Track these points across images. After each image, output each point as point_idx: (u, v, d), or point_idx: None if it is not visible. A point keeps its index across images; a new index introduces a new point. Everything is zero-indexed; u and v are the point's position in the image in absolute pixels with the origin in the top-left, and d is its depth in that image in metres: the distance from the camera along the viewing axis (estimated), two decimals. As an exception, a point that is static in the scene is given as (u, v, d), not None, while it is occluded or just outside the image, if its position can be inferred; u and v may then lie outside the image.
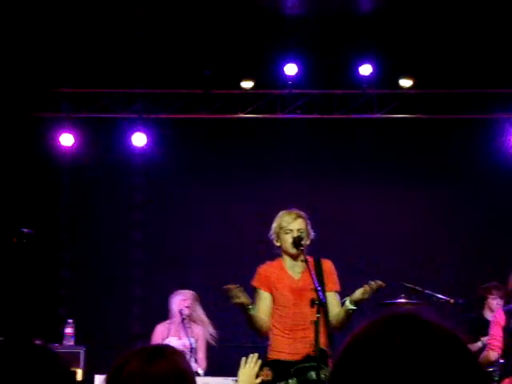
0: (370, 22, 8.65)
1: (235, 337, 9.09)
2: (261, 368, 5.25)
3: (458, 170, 9.64)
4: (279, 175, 9.78)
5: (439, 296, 7.62)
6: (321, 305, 5.17)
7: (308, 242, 5.62)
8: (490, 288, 7.71)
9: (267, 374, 5.29)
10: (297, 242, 5.49)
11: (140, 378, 1.98)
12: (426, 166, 9.77)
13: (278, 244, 5.67)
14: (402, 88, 9.48)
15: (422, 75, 9.35)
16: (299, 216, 5.65)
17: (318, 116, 9.66)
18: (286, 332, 5.50)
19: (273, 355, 5.52)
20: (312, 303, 5.21)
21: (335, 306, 5.52)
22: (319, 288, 5.30)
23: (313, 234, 5.71)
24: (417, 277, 8.34)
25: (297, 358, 5.42)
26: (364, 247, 9.49)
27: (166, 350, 2.10)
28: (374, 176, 9.74)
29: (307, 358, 5.38)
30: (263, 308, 5.55)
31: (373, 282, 5.36)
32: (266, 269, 5.65)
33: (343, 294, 6.03)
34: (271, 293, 5.57)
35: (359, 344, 1.14)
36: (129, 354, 2.07)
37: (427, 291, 7.67)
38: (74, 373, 6.32)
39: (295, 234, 5.54)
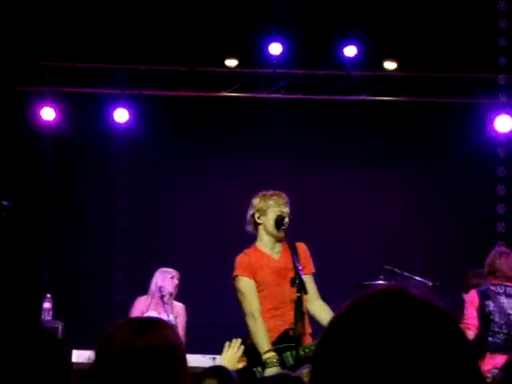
0: (356, 4, 8.63)
1: (215, 315, 9.12)
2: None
3: (440, 153, 9.68)
4: (263, 154, 9.78)
5: (417, 278, 7.66)
6: (301, 283, 5.19)
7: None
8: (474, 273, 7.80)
9: (242, 359, 5.33)
10: (279, 222, 5.48)
11: (129, 350, 1.96)
12: (409, 148, 9.81)
13: (260, 221, 5.64)
14: (386, 70, 9.48)
15: (406, 58, 9.36)
16: (287, 201, 5.63)
17: (302, 96, 9.65)
18: (268, 311, 5.50)
19: None
20: (293, 282, 5.23)
21: (312, 290, 5.53)
22: (299, 267, 5.32)
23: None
24: (396, 259, 8.38)
25: (274, 335, 5.43)
26: (346, 229, 9.53)
27: (156, 323, 2.08)
28: (357, 157, 9.77)
29: (284, 335, 5.39)
30: (254, 293, 5.47)
31: None
32: (244, 257, 5.59)
33: (325, 277, 6.06)
34: (254, 278, 5.51)
35: (343, 323, 1.11)
36: (117, 326, 2.04)
37: (406, 273, 7.71)
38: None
39: (286, 218, 5.51)
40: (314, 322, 5.62)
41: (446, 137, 9.61)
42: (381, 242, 9.40)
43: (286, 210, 5.58)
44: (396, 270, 7.71)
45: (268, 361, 5.21)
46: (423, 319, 1.09)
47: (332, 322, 1.13)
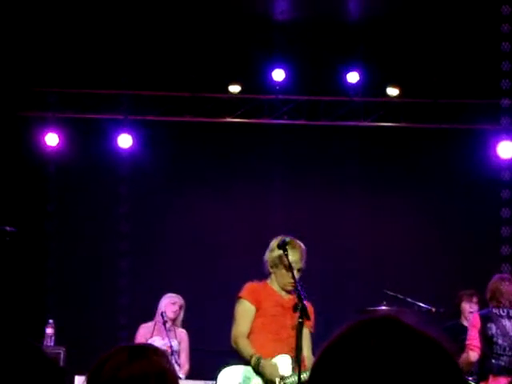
0: (359, 31, 8.69)
1: (217, 341, 9.08)
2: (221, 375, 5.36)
3: (442, 179, 9.68)
4: (265, 180, 9.79)
5: (421, 304, 7.65)
6: (303, 309, 5.19)
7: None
8: (462, 295, 7.84)
9: None
10: (281, 244, 5.46)
11: (120, 378, 1.96)
12: (411, 174, 9.81)
13: (272, 271, 5.63)
14: (388, 96, 9.53)
15: (409, 84, 9.40)
16: (303, 253, 5.59)
17: (305, 122, 9.69)
18: (270, 334, 5.51)
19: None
20: (295, 308, 5.24)
21: (307, 344, 5.52)
22: (303, 295, 5.32)
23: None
24: (399, 285, 8.36)
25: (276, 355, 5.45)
26: (347, 255, 9.51)
27: (148, 350, 2.07)
28: (359, 183, 9.77)
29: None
30: (247, 325, 5.52)
31: None
32: (253, 284, 5.65)
33: (326, 303, 6.06)
34: (256, 307, 5.55)
35: (335, 348, 1.12)
36: (110, 353, 2.04)
37: (409, 299, 7.69)
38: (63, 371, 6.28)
39: (297, 275, 5.44)
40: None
41: (448, 163, 9.63)
42: (383, 267, 9.39)
43: (299, 265, 5.55)
44: (399, 295, 7.69)
45: (256, 361, 5.34)
46: (413, 347, 1.09)
47: (324, 348, 1.14)
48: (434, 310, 7.60)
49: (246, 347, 5.43)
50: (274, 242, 5.60)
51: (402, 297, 7.67)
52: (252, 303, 5.54)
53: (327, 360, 1.12)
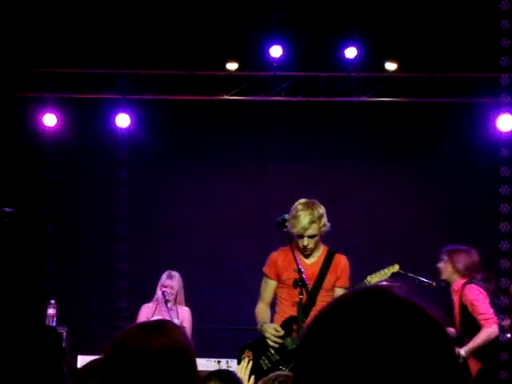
0: (356, 5, 8.63)
1: (220, 318, 9.12)
2: (242, 351, 5.47)
3: (442, 153, 9.67)
4: (264, 157, 9.79)
5: (421, 279, 7.64)
6: (303, 285, 5.21)
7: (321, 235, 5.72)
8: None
9: (248, 354, 5.53)
10: (295, 284, 5.44)
11: (141, 354, 1.97)
12: (411, 149, 9.80)
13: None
14: (386, 71, 9.48)
15: (407, 58, 9.35)
16: (313, 221, 5.63)
17: (303, 99, 9.65)
18: (291, 303, 5.61)
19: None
20: (295, 284, 5.25)
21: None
22: (302, 270, 5.33)
23: (328, 225, 5.75)
24: (399, 260, 8.36)
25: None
26: (348, 230, 9.51)
27: (167, 326, 2.09)
28: (358, 159, 9.77)
29: (288, 321, 5.53)
30: (268, 295, 5.82)
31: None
32: (275, 256, 5.80)
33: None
34: (277, 280, 5.77)
35: (318, 323, 1.12)
36: (129, 330, 2.05)
37: (410, 274, 7.69)
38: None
39: (305, 243, 5.60)
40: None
41: (447, 137, 9.61)
42: (383, 243, 9.39)
43: (310, 231, 5.63)
44: (400, 271, 7.69)
45: (262, 324, 5.65)
46: (401, 317, 1.08)
47: (315, 318, 1.14)
48: (434, 284, 7.61)
49: (257, 315, 5.77)
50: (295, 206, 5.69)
51: (402, 272, 7.67)
52: (271, 277, 5.79)
53: (316, 331, 1.12)
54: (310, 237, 5.60)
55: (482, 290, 6.52)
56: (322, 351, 1.08)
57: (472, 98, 9.44)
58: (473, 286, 6.56)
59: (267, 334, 5.54)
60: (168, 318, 7.24)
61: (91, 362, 2.52)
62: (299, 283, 5.24)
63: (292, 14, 8.80)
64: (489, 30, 8.66)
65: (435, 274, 7.62)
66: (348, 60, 9.34)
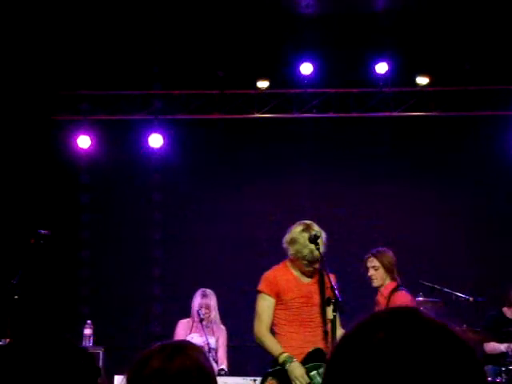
0: (386, 20, 8.62)
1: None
2: (265, 378, 5.35)
3: (476, 168, 9.56)
4: (295, 175, 9.77)
5: (458, 294, 7.56)
6: (336, 303, 5.17)
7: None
8: None
9: (271, 383, 5.39)
10: (313, 239, 5.41)
11: (161, 375, 1.99)
12: (444, 163, 9.71)
13: (294, 259, 5.58)
14: (418, 86, 9.44)
15: (439, 72, 9.31)
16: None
17: (335, 115, 9.64)
18: (297, 327, 5.49)
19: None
20: (328, 302, 5.22)
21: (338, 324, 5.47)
22: (336, 286, 5.30)
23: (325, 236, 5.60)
24: (435, 276, 8.29)
25: (297, 353, 5.41)
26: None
27: (187, 346, 2.11)
28: (391, 174, 9.70)
29: (311, 354, 5.39)
30: (269, 315, 5.52)
31: None
32: (273, 274, 5.59)
33: (360, 296, 6.01)
34: (276, 298, 5.53)
35: (347, 342, 1.13)
36: (149, 351, 2.07)
37: (446, 289, 7.61)
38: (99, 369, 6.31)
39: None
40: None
41: (482, 151, 9.50)
42: (418, 258, 9.30)
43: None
44: (436, 286, 7.61)
45: (285, 359, 5.31)
46: (430, 339, 1.08)
47: (339, 343, 1.14)
48: (472, 299, 7.52)
49: (273, 344, 5.43)
50: (298, 232, 5.53)
51: (438, 287, 7.59)
52: (271, 295, 5.51)
53: (340, 354, 1.13)
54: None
55: (411, 298, 6.38)
56: (350, 369, 1.08)
57: (505, 110, 9.35)
58: (404, 292, 6.39)
59: (294, 376, 5.29)
60: (204, 335, 7.24)
61: None
62: (332, 300, 5.20)
63: (321, 31, 8.82)
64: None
65: (471, 289, 7.54)
66: (379, 75, 9.33)
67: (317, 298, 5.44)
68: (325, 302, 5.31)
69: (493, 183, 9.47)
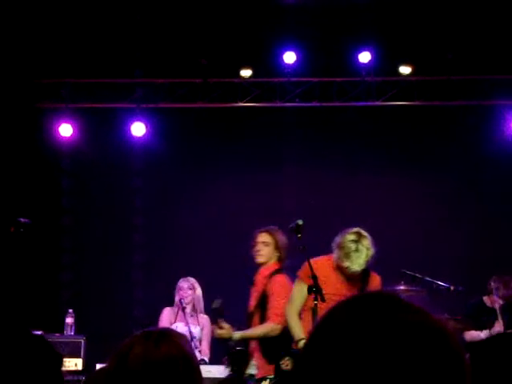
0: (369, 9, 8.61)
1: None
2: (282, 357, 5.41)
3: (457, 157, 9.61)
4: (279, 164, 9.77)
5: (439, 283, 7.60)
6: (317, 291, 5.19)
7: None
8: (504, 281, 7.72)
9: (287, 363, 5.52)
10: (309, 290, 5.42)
11: (145, 362, 1.98)
12: (426, 152, 9.75)
13: (335, 258, 5.65)
14: (401, 75, 9.45)
15: (421, 62, 9.32)
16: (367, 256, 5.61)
17: (318, 104, 9.64)
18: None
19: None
20: (309, 290, 5.24)
21: None
22: (316, 275, 5.32)
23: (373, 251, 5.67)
24: (417, 264, 8.32)
25: None
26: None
27: (171, 334, 2.10)
28: (373, 163, 9.73)
29: None
30: (300, 302, 5.68)
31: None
32: (315, 264, 5.60)
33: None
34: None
35: (322, 325, 1.13)
36: (133, 338, 2.06)
37: (427, 278, 7.65)
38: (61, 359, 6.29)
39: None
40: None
41: (463, 140, 9.55)
42: (400, 247, 9.32)
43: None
44: (417, 274, 7.64)
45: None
46: (407, 323, 1.08)
47: (320, 321, 1.14)
48: (452, 288, 7.56)
49: (296, 328, 5.60)
50: (348, 241, 5.58)
51: (420, 276, 7.63)
52: (306, 283, 5.56)
53: (314, 338, 1.13)
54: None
55: (288, 284, 6.14)
56: (326, 350, 1.08)
57: (487, 100, 9.39)
58: (284, 276, 6.23)
59: None
60: (187, 324, 7.23)
61: (98, 371, 2.53)
62: (313, 289, 5.22)
63: (305, 20, 8.80)
64: (505, 32, 8.62)
65: (452, 278, 7.58)
66: (362, 64, 9.33)
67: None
68: (311, 287, 5.38)
69: (476, 173, 9.51)
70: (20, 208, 8.36)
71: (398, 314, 1.09)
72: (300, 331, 5.54)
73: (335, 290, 5.52)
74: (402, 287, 7.35)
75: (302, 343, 5.40)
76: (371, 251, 5.57)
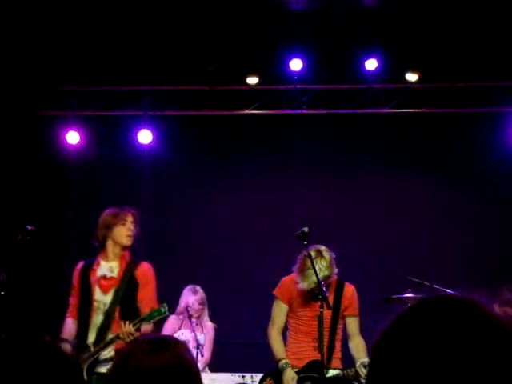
0: (375, 17, 8.61)
1: (245, 333, 9.08)
2: (264, 378, 5.49)
3: (464, 164, 9.59)
4: (286, 171, 9.77)
5: (447, 291, 7.56)
6: (323, 299, 5.16)
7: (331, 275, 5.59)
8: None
9: (270, 383, 5.63)
10: (315, 297, 5.39)
11: (142, 370, 1.98)
12: (433, 160, 9.73)
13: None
14: (407, 82, 9.44)
15: (428, 69, 9.31)
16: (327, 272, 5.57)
17: (324, 111, 9.63)
18: (304, 337, 5.66)
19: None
20: (315, 297, 5.22)
21: (355, 331, 5.67)
22: (323, 284, 5.30)
23: (335, 269, 5.64)
24: (423, 272, 8.29)
25: (301, 364, 5.60)
26: (372, 241, 9.47)
27: (170, 342, 2.09)
28: (380, 170, 9.72)
29: (310, 365, 5.50)
30: (281, 320, 5.77)
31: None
32: (289, 281, 5.71)
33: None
34: (289, 305, 5.73)
35: (393, 329, 1.13)
36: (132, 346, 2.07)
37: (435, 286, 7.62)
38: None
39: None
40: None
41: (470, 147, 9.53)
42: (408, 254, 9.31)
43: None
44: (425, 282, 7.61)
45: (283, 364, 5.58)
46: (496, 327, 1.08)
47: (384, 329, 1.14)
48: (459, 295, 7.52)
49: (278, 349, 5.69)
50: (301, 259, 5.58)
51: (427, 283, 7.60)
52: (284, 302, 5.74)
53: (386, 341, 1.12)
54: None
55: (152, 273, 6.13)
56: (399, 353, 1.08)
57: (495, 107, 9.37)
58: (149, 265, 6.26)
59: (286, 380, 5.52)
60: (192, 332, 7.25)
61: None
62: (319, 296, 5.20)
63: (311, 27, 8.80)
64: (509, 39, 8.60)
65: (458, 286, 7.52)
66: (368, 72, 9.32)
67: (328, 314, 5.49)
68: (336, 319, 5.43)
69: (481, 179, 9.49)
70: (27, 215, 8.37)
71: (486, 317, 1.09)
72: (281, 351, 5.66)
73: (310, 306, 5.61)
74: (408, 295, 7.32)
75: (281, 362, 5.56)
76: (327, 272, 5.49)
